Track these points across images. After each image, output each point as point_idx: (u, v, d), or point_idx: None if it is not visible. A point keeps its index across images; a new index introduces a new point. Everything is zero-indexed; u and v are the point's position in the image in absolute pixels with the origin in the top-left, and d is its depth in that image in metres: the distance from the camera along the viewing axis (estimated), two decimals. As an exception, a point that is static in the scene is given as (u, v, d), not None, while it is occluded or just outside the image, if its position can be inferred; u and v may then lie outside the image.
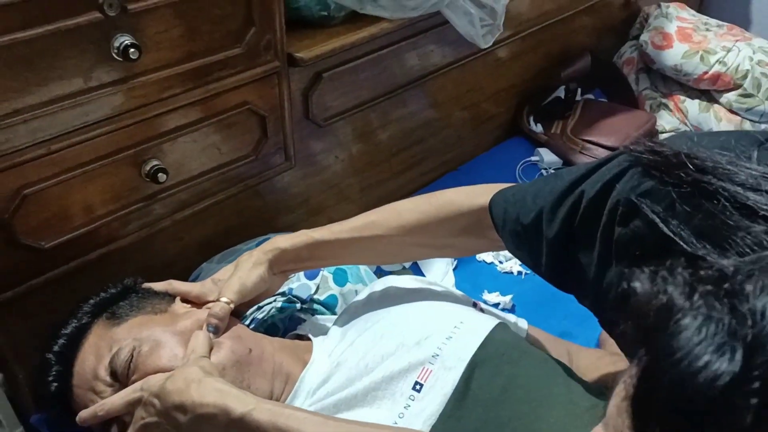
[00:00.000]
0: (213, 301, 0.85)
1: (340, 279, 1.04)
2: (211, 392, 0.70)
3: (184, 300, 0.89)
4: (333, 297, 1.02)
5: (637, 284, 0.38)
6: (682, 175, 0.55)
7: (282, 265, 0.89)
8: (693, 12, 1.72)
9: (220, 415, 0.68)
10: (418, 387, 0.77)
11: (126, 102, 0.88)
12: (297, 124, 1.12)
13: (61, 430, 0.88)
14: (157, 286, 0.90)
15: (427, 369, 0.77)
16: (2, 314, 0.89)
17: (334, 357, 0.85)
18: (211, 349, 0.79)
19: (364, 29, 1.12)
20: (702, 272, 0.37)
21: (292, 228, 1.08)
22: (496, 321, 0.83)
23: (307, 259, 0.90)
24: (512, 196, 0.77)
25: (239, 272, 0.86)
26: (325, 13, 1.10)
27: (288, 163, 1.13)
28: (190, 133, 0.97)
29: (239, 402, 0.68)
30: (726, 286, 0.35)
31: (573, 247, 0.67)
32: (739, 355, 0.32)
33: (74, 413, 0.81)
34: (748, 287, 0.34)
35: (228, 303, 0.83)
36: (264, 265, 0.87)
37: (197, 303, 0.88)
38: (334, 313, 1.00)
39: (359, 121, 1.24)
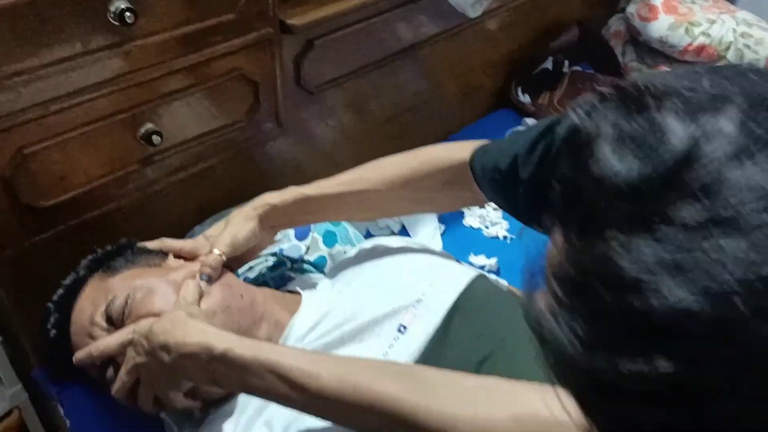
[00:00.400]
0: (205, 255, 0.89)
1: (330, 240, 1.07)
2: (194, 332, 0.73)
3: (177, 256, 0.92)
4: (322, 258, 1.05)
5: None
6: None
7: (272, 220, 0.92)
8: (679, -15, 1.74)
9: (202, 353, 0.72)
10: (402, 329, 0.81)
11: (122, 66, 0.90)
12: (289, 91, 1.15)
13: (62, 381, 0.92)
14: (151, 244, 0.94)
15: (411, 312, 0.82)
16: (3, 272, 0.92)
17: (323, 306, 0.89)
18: (201, 297, 0.83)
19: (354, -2, 1.14)
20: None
21: (284, 192, 1.11)
22: (478, 272, 0.87)
23: (296, 214, 0.93)
24: (491, 147, 0.81)
25: (230, 227, 0.89)
26: (317, -18, 1.12)
27: (280, 129, 1.16)
28: (184, 98, 0.99)
29: (221, 340, 0.72)
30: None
31: (547, 187, 0.71)
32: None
33: (69, 361, 0.85)
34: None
35: (220, 255, 0.87)
36: (254, 220, 0.90)
37: (190, 258, 0.91)
38: (323, 273, 1.03)
39: (350, 89, 1.26)
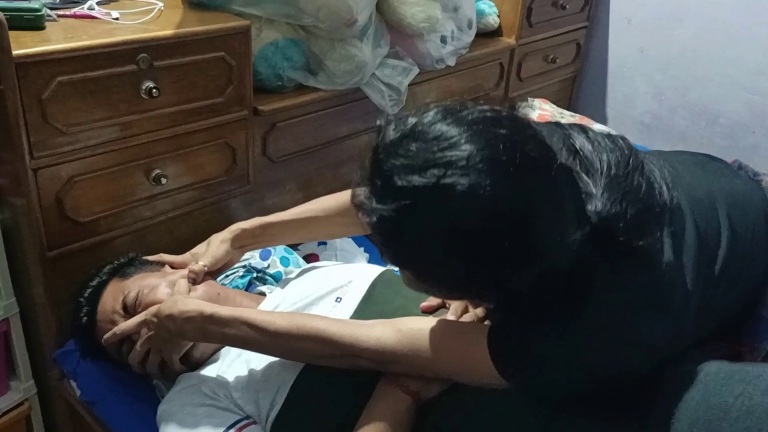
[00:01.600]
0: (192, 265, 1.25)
1: (285, 262, 1.45)
2: (190, 303, 1.08)
3: (171, 267, 1.28)
4: (279, 273, 1.43)
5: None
6: None
7: (242, 241, 1.29)
8: (553, 105, 2.29)
9: (197, 315, 1.06)
10: (338, 300, 1.18)
11: (146, 126, 1.31)
12: (257, 159, 1.57)
13: (87, 354, 1.24)
14: (151, 258, 1.30)
15: (344, 289, 1.19)
16: (47, 269, 1.26)
17: (280, 297, 1.25)
18: (189, 291, 1.18)
19: (307, 95, 1.60)
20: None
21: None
22: (388, 267, 1.26)
23: (261, 236, 1.30)
24: None
25: (210, 247, 1.27)
26: (280, 83, 1.57)
27: (250, 185, 1.56)
28: (184, 154, 1.40)
29: (209, 306, 1.07)
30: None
31: None
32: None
33: (97, 341, 1.19)
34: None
35: (203, 265, 1.23)
36: (228, 242, 1.28)
37: (181, 267, 1.27)
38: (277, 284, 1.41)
39: (303, 161, 1.69)
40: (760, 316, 1.01)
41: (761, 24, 2.20)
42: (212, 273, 1.28)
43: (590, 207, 0.85)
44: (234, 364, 1.14)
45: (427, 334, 0.96)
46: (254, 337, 1.04)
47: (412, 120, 0.82)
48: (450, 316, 1.10)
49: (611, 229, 0.84)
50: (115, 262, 1.28)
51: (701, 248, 0.93)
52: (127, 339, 1.16)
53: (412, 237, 0.79)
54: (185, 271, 1.23)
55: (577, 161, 0.90)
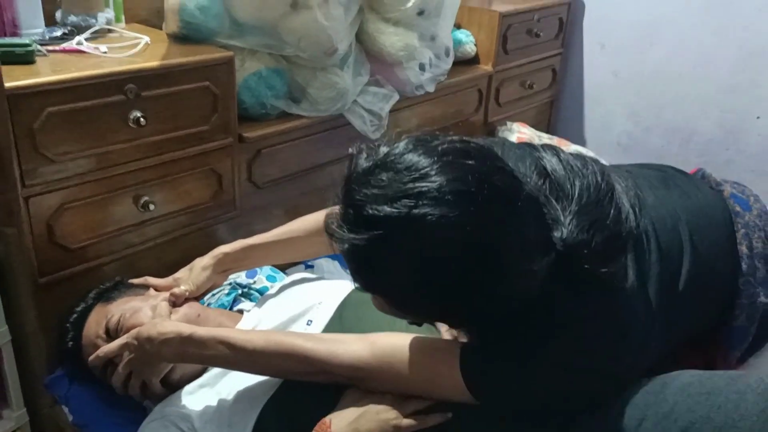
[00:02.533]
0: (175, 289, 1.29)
1: (271, 279, 1.49)
2: (168, 325, 1.11)
3: (155, 289, 1.31)
4: (265, 287, 1.46)
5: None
6: None
7: (224, 265, 1.33)
8: (531, 129, 2.36)
9: (175, 337, 1.09)
10: (309, 322, 1.22)
11: (133, 154, 1.35)
12: (243, 185, 1.61)
13: (76, 378, 1.27)
14: (136, 281, 1.33)
15: (315, 310, 1.22)
16: (38, 295, 1.29)
17: (257, 318, 1.28)
18: (170, 314, 1.21)
19: (291, 122, 1.65)
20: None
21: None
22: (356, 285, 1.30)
23: (243, 259, 1.33)
24: None
25: (193, 273, 1.30)
26: (264, 111, 1.63)
27: (236, 212, 1.60)
28: (171, 181, 1.44)
29: (187, 327, 1.10)
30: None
31: None
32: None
33: (84, 365, 1.22)
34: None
35: (185, 290, 1.27)
36: (210, 268, 1.31)
37: (164, 290, 1.30)
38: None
39: (288, 187, 1.73)
40: (731, 325, 1.05)
41: (728, 45, 2.29)
42: (196, 297, 1.31)
43: (557, 234, 0.88)
44: (201, 393, 1.17)
45: (401, 350, 0.99)
46: (233, 357, 1.07)
47: (383, 150, 0.86)
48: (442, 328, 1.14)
49: (576, 256, 0.87)
50: (101, 286, 1.31)
51: (664, 268, 0.96)
52: (111, 362, 1.19)
53: (384, 265, 0.82)
54: (166, 294, 1.26)
55: (547, 185, 0.93)
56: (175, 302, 1.25)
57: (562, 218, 0.89)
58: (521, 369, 0.91)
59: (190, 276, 1.30)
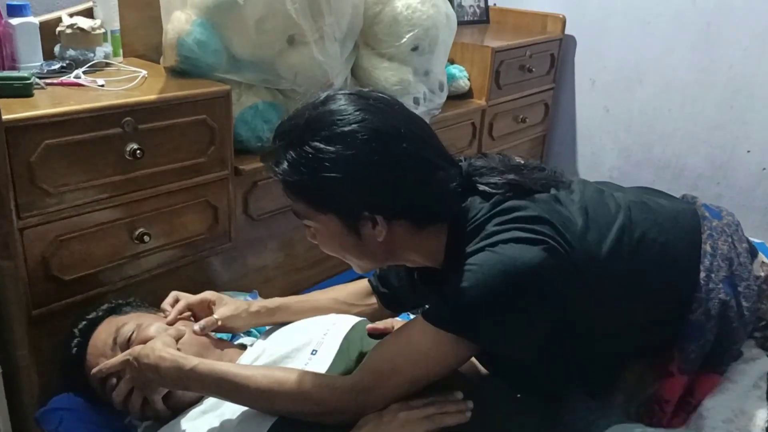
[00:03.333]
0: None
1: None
2: (167, 356, 1.09)
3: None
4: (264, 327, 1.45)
5: None
6: None
7: (259, 318, 1.31)
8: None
9: (172, 367, 1.08)
10: (314, 352, 1.21)
11: (129, 186, 1.35)
12: (239, 217, 1.61)
13: (73, 389, 1.25)
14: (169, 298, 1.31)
15: (320, 341, 1.22)
16: (31, 328, 1.28)
17: (261, 347, 1.27)
18: (179, 338, 1.20)
19: (286, 155, 1.66)
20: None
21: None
22: (362, 318, 1.30)
23: (273, 316, 1.32)
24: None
25: (234, 314, 1.28)
26: (260, 144, 1.64)
27: (231, 244, 1.60)
28: (167, 213, 1.44)
29: (186, 360, 1.09)
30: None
31: None
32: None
33: (83, 375, 1.20)
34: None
35: (216, 321, 1.26)
36: (249, 317, 1.30)
37: (195, 307, 1.29)
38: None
39: (283, 220, 1.73)
40: (687, 319, 1.06)
41: (714, 83, 2.34)
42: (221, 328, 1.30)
43: (463, 164, 1.06)
44: (204, 420, 1.15)
45: (383, 354, 1.03)
46: (233, 394, 1.07)
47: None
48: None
49: (480, 172, 1.04)
50: (113, 301, 1.31)
51: (587, 212, 1.03)
52: (110, 376, 1.17)
53: (305, 159, 0.96)
54: (182, 329, 1.24)
55: (483, 160, 1.09)
56: (203, 328, 1.24)
57: (474, 161, 1.08)
58: (472, 280, 0.95)
59: (229, 308, 1.29)
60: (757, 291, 1.09)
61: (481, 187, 1.03)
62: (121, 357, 1.16)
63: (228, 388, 1.06)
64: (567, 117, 2.74)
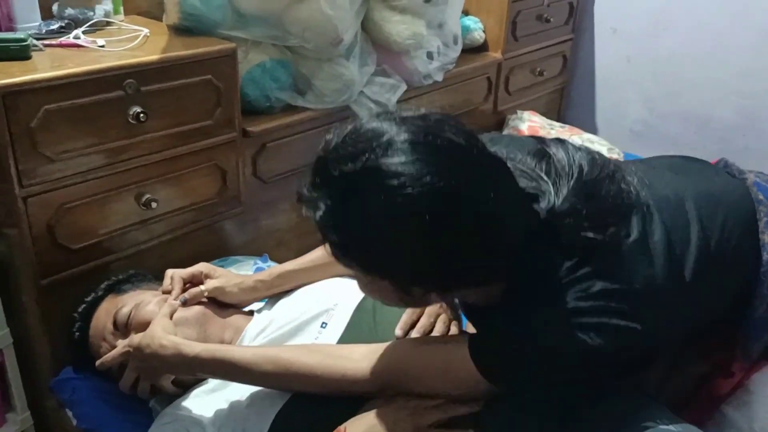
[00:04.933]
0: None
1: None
2: (167, 344, 1.07)
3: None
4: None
5: None
6: None
7: (257, 292, 1.28)
8: (541, 117, 2.30)
9: (174, 355, 1.06)
10: (324, 325, 1.17)
11: (134, 151, 1.31)
12: (249, 180, 1.57)
13: (81, 370, 1.24)
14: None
15: (330, 313, 1.18)
16: (40, 297, 1.26)
17: (268, 318, 1.24)
18: (173, 312, 1.17)
19: (296, 115, 1.61)
20: None
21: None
22: None
23: (278, 287, 1.29)
24: None
25: (230, 283, 1.25)
26: (269, 104, 1.59)
27: (241, 207, 1.56)
28: (174, 177, 1.40)
29: (189, 348, 1.06)
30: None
31: None
32: None
33: (89, 356, 1.19)
34: None
35: (202, 291, 1.23)
36: (247, 292, 1.26)
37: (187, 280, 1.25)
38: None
39: (294, 181, 1.69)
40: (751, 317, 1.01)
41: (747, 27, 2.22)
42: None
43: (542, 204, 0.87)
44: (212, 398, 1.13)
45: (412, 355, 0.98)
46: (239, 378, 1.06)
47: (350, 126, 0.86)
48: (415, 333, 1.10)
49: (561, 223, 0.87)
50: (113, 278, 1.28)
51: (669, 242, 0.92)
52: (115, 365, 1.16)
53: (354, 222, 0.81)
54: (175, 303, 1.21)
55: (544, 164, 0.92)
56: (185, 301, 1.21)
57: (552, 191, 0.89)
58: (527, 337, 0.88)
59: (221, 280, 1.26)
60: None
61: (560, 241, 0.88)
62: (120, 349, 1.14)
63: (234, 373, 1.05)
64: (587, 68, 2.64)
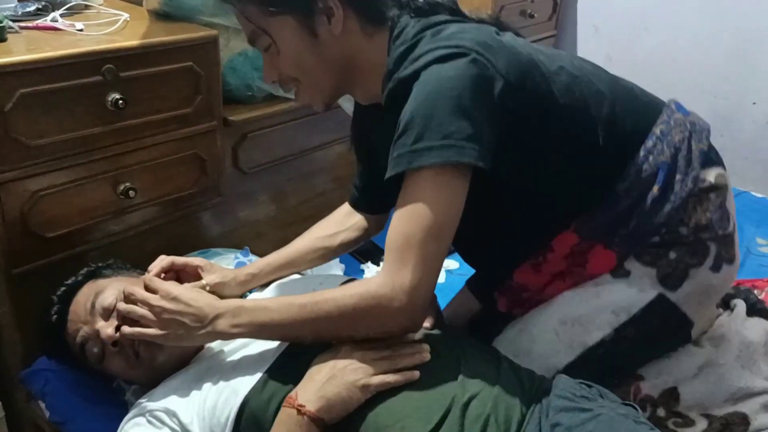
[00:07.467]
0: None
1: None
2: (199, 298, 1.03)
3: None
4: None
5: None
6: None
7: (251, 285, 1.26)
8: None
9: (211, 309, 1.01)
10: None
11: (112, 138, 1.28)
12: (228, 170, 1.55)
13: (54, 356, 1.21)
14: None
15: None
16: (12, 287, 1.22)
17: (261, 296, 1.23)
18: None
19: (278, 105, 1.59)
20: None
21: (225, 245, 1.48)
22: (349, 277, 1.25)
23: (265, 277, 1.27)
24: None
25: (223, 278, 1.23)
26: (250, 94, 1.56)
27: (220, 198, 1.54)
28: (153, 166, 1.37)
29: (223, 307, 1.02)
30: None
31: None
32: None
33: (65, 342, 1.15)
34: None
35: (205, 285, 1.20)
36: (240, 286, 1.24)
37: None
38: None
39: (275, 172, 1.67)
40: (613, 190, 1.05)
41: (724, 30, 2.25)
42: None
43: None
44: (184, 388, 1.10)
45: (389, 235, 0.96)
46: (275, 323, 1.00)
47: None
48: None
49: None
50: (92, 264, 1.25)
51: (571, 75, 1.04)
52: (89, 340, 1.12)
53: None
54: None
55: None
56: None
57: None
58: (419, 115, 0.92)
59: (217, 278, 1.22)
60: (691, 190, 1.04)
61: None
62: (155, 301, 1.04)
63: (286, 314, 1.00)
64: (568, 65, 2.65)
